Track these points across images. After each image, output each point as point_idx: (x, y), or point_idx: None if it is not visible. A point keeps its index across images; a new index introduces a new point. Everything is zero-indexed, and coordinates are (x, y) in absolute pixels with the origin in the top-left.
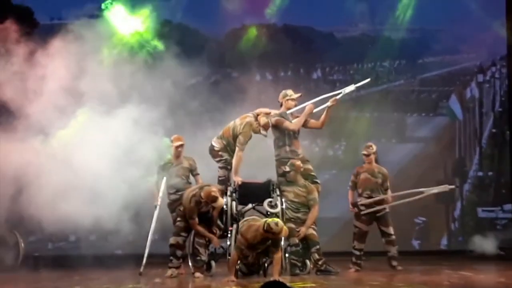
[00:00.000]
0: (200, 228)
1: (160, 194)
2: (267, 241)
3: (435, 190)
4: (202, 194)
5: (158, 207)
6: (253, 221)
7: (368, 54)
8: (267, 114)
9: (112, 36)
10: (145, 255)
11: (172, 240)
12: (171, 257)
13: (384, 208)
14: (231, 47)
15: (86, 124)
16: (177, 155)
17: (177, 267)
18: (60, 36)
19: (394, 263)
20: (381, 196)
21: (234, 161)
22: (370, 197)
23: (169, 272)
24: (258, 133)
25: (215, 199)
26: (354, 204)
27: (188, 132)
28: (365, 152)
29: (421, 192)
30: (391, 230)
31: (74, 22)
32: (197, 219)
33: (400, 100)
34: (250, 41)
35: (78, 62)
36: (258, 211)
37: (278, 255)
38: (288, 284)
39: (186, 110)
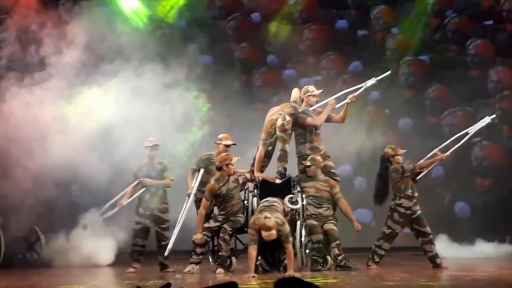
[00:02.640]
0: (202, 215)
1: (196, 184)
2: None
3: (479, 126)
4: (217, 162)
5: (192, 196)
6: (259, 213)
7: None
8: (289, 113)
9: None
10: (172, 239)
11: (194, 237)
12: (192, 253)
13: (418, 210)
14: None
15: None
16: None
17: (197, 263)
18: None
19: (439, 260)
20: (432, 152)
21: (256, 156)
22: (413, 196)
23: (188, 267)
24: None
25: (226, 158)
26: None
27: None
28: (401, 153)
29: (466, 134)
30: (428, 229)
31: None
32: (207, 203)
33: None
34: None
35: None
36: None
37: (288, 250)
38: (303, 279)
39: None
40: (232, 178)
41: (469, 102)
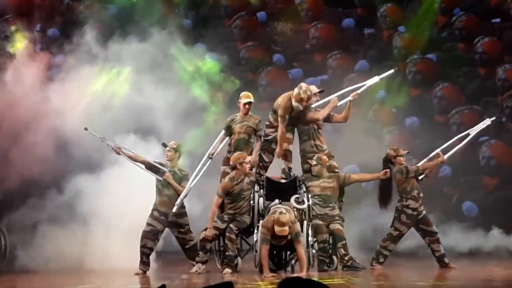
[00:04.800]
0: (214, 211)
1: (214, 144)
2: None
3: (479, 127)
4: (231, 161)
5: (207, 156)
6: (274, 213)
7: None
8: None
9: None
10: (182, 196)
11: (203, 234)
12: (200, 251)
13: (423, 210)
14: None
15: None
16: (245, 112)
17: (204, 262)
18: None
19: (447, 260)
20: (435, 152)
21: (278, 135)
22: (419, 196)
23: (195, 268)
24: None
25: (240, 157)
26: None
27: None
28: (403, 153)
29: (467, 135)
30: (434, 228)
31: None
32: (220, 200)
33: None
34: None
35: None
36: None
37: (299, 250)
38: (307, 278)
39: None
40: (247, 179)
41: (476, 101)
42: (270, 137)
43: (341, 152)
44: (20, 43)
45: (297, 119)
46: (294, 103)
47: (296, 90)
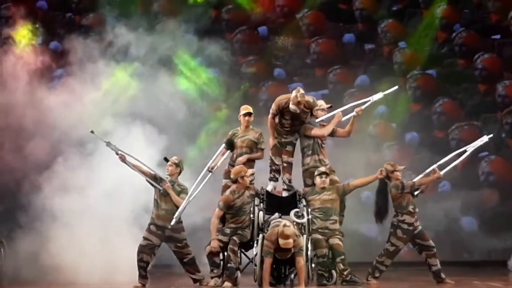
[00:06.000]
0: (215, 223)
1: (214, 157)
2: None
3: (477, 144)
4: (232, 174)
5: (206, 169)
6: (277, 226)
7: None
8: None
9: None
10: (180, 209)
11: (208, 248)
12: (212, 267)
13: (419, 225)
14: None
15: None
16: (245, 125)
17: (220, 276)
18: None
19: (443, 275)
20: (431, 168)
21: (268, 125)
22: (414, 211)
23: (212, 282)
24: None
25: (241, 170)
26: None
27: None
28: (400, 169)
29: (465, 151)
30: (431, 243)
31: None
32: (221, 213)
33: None
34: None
35: None
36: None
37: (300, 264)
38: None
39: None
40: (247, 193)
41: (476, 117)
42: (282, 140)
43: (341, 167)
44: (22, 48)
45: (300, 125)
46: (291, 106)
47: (293, 93)
